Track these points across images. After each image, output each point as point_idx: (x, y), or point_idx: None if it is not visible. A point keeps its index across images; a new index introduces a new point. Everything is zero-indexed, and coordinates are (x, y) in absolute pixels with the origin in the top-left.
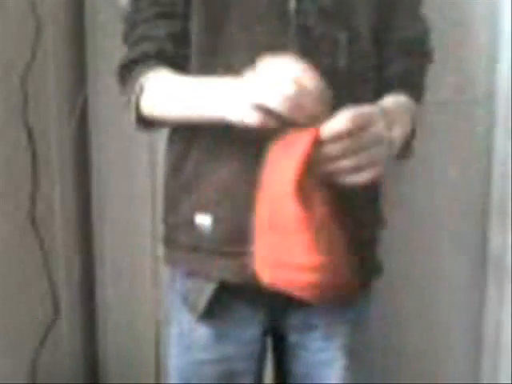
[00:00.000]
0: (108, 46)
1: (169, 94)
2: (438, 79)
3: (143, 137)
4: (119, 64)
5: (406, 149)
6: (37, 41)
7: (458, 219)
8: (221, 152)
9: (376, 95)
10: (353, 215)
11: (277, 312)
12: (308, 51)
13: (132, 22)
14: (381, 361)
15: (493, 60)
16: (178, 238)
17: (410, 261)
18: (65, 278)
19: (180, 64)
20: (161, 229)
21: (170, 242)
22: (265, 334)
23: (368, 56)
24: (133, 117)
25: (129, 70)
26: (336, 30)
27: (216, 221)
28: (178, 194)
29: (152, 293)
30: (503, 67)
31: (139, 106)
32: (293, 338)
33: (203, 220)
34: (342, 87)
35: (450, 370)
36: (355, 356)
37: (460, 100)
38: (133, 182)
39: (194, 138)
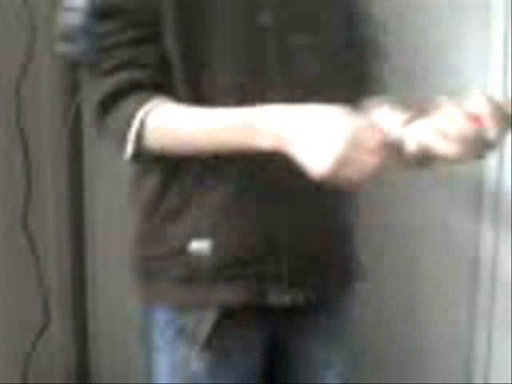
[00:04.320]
0: None
1: (188, 127)
2: (435, 82)
3: None
4: (100, 98)
5: None
6: (31, 44)
7: (451, 221)
8: (210, 177)
9: (353, 95)
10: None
11: (278, 327)
12: (286, 61)
13: (101, 48)
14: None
15: (486, 64)
16: (164, 271)
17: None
18: (56, 283)
19: (165, 90)
20: (134, 265)
21: (152, 277)
22: (267, 353)
23: (341, 58)
24: (130, 151)
25: (113, 102)
26: (310, 40)
27: (216, 245)
28: (162, 225)
29: None
30: (496, 73)
31: (141, 140)
32: (293, 347)
33: (200, 246)
34: (322, 92)
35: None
36: (347, 363)
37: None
38: (126, 187)
39: (178, 166)
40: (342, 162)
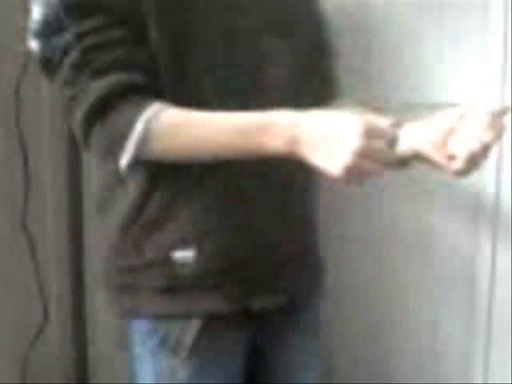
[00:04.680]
0: None
1: (205, 130)
2: (428, 82)
3: None
4: (91, 101)
5: None
6: (30, 50)
7: (449, 222)
8: (194, 184)
9: (320, 97)
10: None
11: (258, 330)
12: (261, 64)
13: (84, 47)
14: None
15: (485, 65)
16: (146, 282)
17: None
18: (55, 284)
19: (154, 92)
20: (111, 277)
21: (133, 289)
22: (247, 356)
23: (309, 59)
24: (130, 156)
25: (108, 105)
26: (283, 42)
27: (201, 254)
28: (144, 234)
29: None
30: (495, 74)
31: (145, 145)
32: (272, 349)
33: (183, 255)
34: (293, 94)
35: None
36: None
37: (451, 103)
38: None
39: (159, 173)
40: (358, 160)
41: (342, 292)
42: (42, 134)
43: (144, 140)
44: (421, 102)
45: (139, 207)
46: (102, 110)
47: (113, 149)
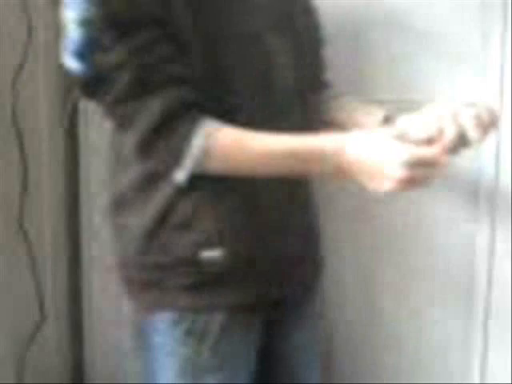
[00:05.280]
0: None
1: (256, 155)
2: (428, 80)
3: None
4: (152, 119)
5: None
6: (28, 42)
7: (448, 222)
8: (219, 188)
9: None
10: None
11: (270, 323)
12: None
13: (142, 63)
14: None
15: (483, 65)
16: (172, 278)
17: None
18: (52, 283)
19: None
20: (135, 272)
21: (159, 284)
22: (260, 348)
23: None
24: (186, 173)
25: (167, 123)
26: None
27: (226, 253)
28: (172, 235)
29: None
30: (494, 72)
31: (202, 161)
32: (280, 341)
33: (211, 255)
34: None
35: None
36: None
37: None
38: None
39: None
40: (403, 186)
41: (337, 291)
42: (38, 133)
43: (200, 157)
44: (419, 100)
45: (169, 209)
46: (160, 128)
47: (171, 166)
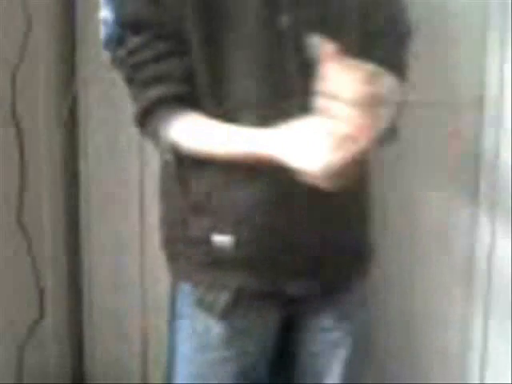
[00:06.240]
0: (98, 44)
1: (206, 139)
2: (429, 80)
3: (132, 136)
4: (139, 111)
5: (391, 132)
6: (27, 39)
7: (446, 219)
8: (235, 176)
9: None
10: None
11: (292, 304)
12: (304, 64)
13: (132, 63)
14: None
15: (482, 62)
16: (186, 254)
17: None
18: (51, 279)
19: (190, 101)
20: (164, 243)
21: (177, 257)
22: (279, 327)
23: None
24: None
25: (149, 115)
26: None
27: (236, 242)
28: (187, 214)
29: (139, 292)
30: (493, 70)
31: (176, 148)
32: (306, 321)
33: (222, 240)
34: None
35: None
36: (359, 341)
37: (450, 101)
38: (121, 182)
39: (208, 162)
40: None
41: None
42: (38, 131)
43: (169, 147)
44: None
45: (186, 190)
46: (147, 116)
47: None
